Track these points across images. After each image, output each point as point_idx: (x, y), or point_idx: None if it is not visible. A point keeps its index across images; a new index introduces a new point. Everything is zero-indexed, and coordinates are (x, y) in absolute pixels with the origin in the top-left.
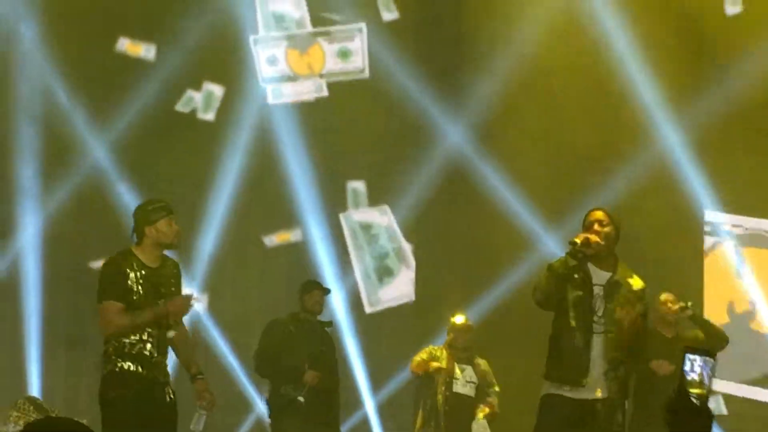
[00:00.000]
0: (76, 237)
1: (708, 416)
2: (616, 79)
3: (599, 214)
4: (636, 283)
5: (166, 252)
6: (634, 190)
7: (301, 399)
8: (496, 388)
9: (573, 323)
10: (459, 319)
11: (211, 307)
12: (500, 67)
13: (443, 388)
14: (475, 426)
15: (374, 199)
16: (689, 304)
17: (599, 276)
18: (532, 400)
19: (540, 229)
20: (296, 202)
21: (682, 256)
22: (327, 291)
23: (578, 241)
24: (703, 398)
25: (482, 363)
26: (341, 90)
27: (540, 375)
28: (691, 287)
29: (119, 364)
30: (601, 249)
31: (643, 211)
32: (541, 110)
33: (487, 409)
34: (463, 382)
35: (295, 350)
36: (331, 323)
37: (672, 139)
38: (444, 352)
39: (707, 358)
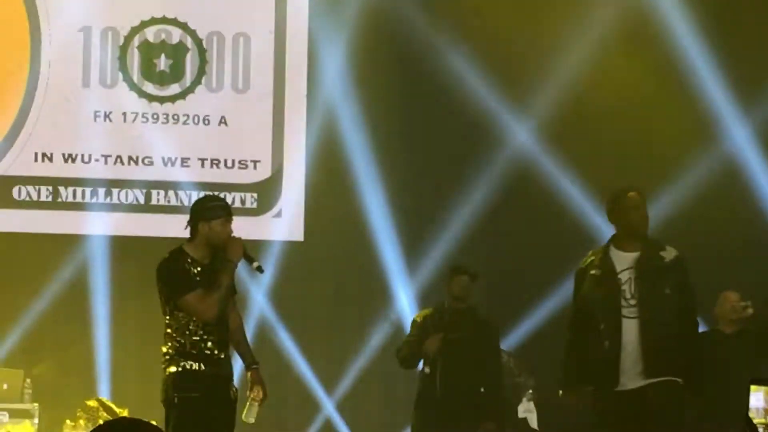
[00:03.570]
0: None
1: None
2: (685, 79)
3: (637, 198)
4: (668, 253)
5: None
6: (701, 194)
7: (426, 370)
8: None
9: (601, 326)
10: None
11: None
12: (567, 70)
13: None
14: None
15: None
16: (749, 303)
17: (625, 260)
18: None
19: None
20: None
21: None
22: (475, 276)
23: None
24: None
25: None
26: None
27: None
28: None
29: (182, 364)
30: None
31: (711, 214)
32: (608, 115)
33: None
34: None
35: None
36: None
37: (742, 142)
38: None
39: None
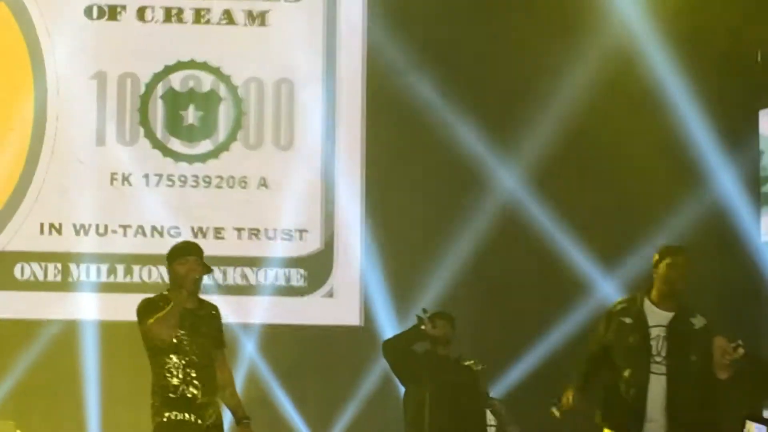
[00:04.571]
0: None
1: None
2: (674, 124)
3: (681, 259)
4: (698, 321)
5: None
6: (692, 236)
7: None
8: None
9: (626, 373)
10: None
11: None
12: (556, 112)
13: None
14: None
15: (427, 245)
16: (740, 342)
17: (658, 316)
18: None
19: (596, 275)
20: None
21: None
22: (450, 318)
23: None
24: None
25: None
26: None
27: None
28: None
29: (166, 415)
30: (679, 294)
31: (703, 256)
32: (597, 155)
33: None
34: None
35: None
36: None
37: (729, 185)
38: None
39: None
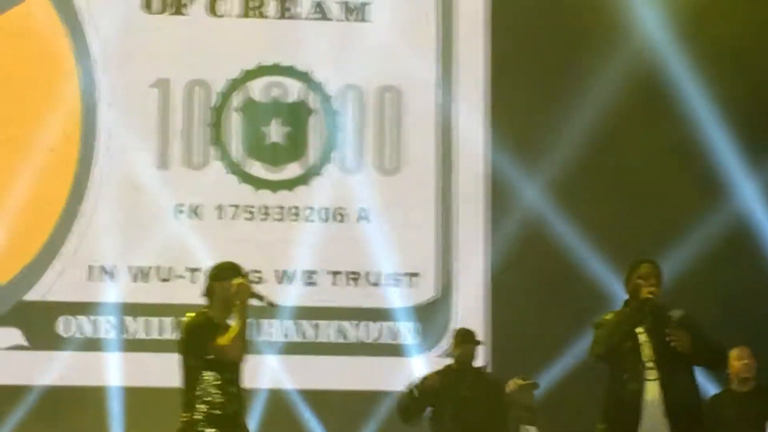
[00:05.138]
0: None
1: None
2: (691, 134)
3: (652, 270)
4: (675, 313)
5: None
6: (713, 245)
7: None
8: None
9: (624, 375)
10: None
11: None
12: (574, 122)
13: None
14: None
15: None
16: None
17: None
18: None
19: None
20: None
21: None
22: (479, 343)
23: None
24: None
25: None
26: None
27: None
28: None
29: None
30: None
31: (717, 270)
32: (615, 166)
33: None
34: None
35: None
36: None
37: (749, 196)
38: None
39: None
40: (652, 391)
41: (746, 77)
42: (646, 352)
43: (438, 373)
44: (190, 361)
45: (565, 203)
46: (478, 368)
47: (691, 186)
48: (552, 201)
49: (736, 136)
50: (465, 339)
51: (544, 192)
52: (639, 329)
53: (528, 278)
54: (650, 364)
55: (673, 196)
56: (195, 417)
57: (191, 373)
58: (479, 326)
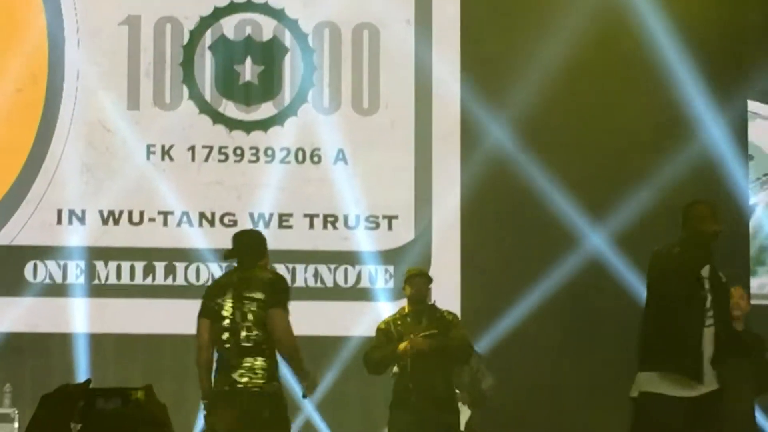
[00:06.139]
0: None
1: None
2: (660, 73)
3: (706, 210)
4: (723, 276)
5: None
6: (678, 185)
7: (395, 369)
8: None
9: (684, 320)
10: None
11: None
12: (542, 62)
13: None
14: None
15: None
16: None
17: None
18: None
19: (584, 225)
20: None
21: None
22: (430, 278)
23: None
24: None
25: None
26: None
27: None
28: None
29: (276, 383)
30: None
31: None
32: (582, 107)
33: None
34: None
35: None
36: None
37: (716, 136)
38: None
39: None
40: (708, 337)
41: (713, 16)
42: (709, 297)
43: (387, 323)
44: (272, 306)
45: (534, 141)
46: (431, 305)
47: (656, 125)
48: (521, 139)
49: (703, 76)
50: (413, 275)
51: (514, 130)
52: (703, 277)
53: (498, 217)
54: (710, 313)
55: (637, 134)
56: (273, 364)
57: (263, 320)
58: (455, 272)
